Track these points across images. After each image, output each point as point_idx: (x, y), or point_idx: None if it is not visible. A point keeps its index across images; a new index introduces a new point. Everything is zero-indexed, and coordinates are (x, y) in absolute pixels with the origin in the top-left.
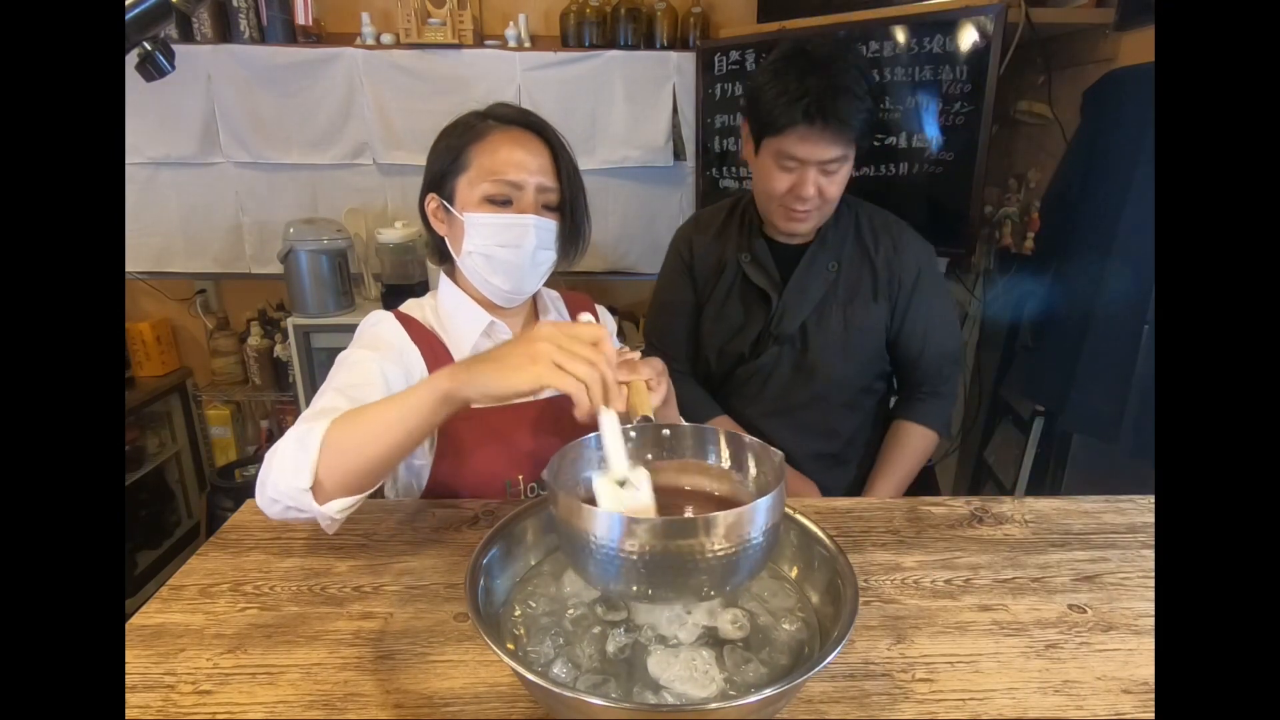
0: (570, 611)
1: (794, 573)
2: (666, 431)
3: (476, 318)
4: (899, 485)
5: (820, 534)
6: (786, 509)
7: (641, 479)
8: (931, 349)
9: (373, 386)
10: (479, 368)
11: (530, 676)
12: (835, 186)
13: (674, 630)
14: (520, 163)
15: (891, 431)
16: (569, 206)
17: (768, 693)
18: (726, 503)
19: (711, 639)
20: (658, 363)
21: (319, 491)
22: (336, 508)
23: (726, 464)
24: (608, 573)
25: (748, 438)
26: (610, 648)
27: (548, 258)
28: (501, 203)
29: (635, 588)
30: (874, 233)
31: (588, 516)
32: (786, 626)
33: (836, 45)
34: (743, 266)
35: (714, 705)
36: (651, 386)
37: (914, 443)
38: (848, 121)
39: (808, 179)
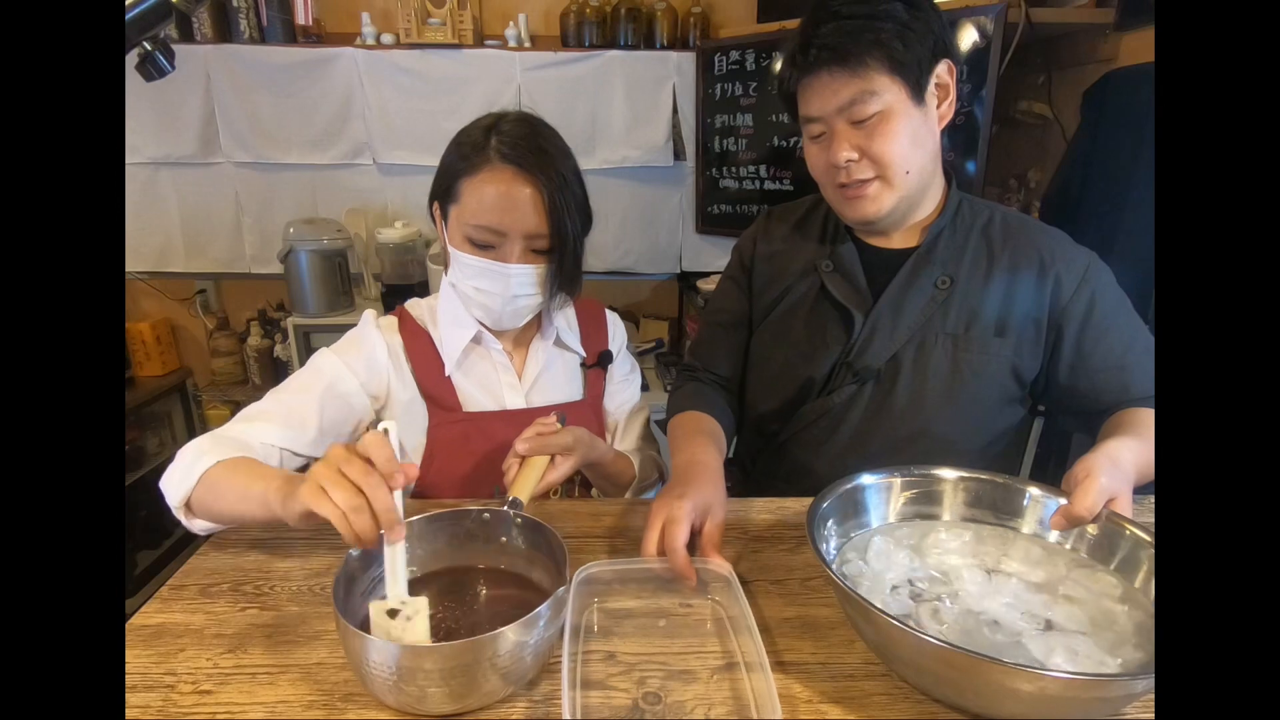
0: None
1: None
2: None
3: (465, 328)
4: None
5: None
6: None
7: (418, 608)
8: (1138, 388)
9: (306, 412)
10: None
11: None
12: (884, 141)
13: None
14: (506, 210)
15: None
16: (559, 251)
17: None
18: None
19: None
20: (569, 436)
21: (187, 511)
22: (199, 526)
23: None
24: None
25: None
26: (947, 619)
27: (529, 301)
28: (484, 245)
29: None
30: (1008, 240)
31: (358, 640)
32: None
33: None
34: (822, 275)
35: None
36: (555, 464)
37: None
38: (849, 51)
39: (836, 139)
